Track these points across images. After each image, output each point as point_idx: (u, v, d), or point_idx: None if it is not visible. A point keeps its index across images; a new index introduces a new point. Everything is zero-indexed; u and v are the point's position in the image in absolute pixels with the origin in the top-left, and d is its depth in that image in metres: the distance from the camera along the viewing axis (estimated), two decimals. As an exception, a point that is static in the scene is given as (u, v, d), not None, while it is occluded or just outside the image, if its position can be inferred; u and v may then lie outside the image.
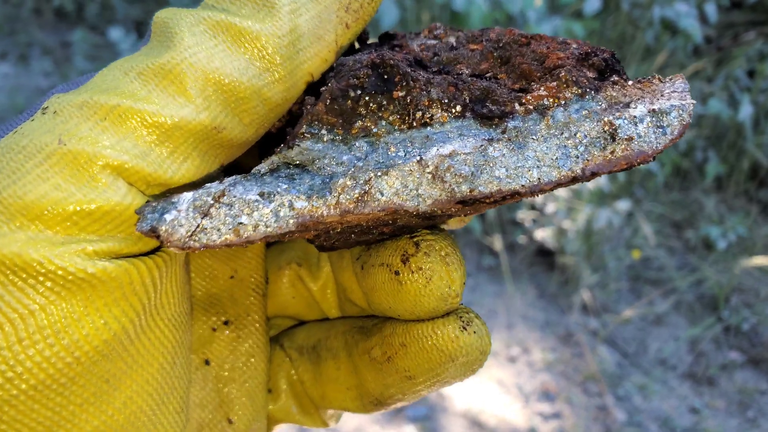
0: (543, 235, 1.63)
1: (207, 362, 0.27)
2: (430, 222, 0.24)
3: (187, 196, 0.20)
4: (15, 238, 0.19)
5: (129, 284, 0.20)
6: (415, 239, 0.24)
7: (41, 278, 0.19)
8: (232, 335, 0.28)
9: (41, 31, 1.87)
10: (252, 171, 0.21)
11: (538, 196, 0.22)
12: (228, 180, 0.21)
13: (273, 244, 0.31)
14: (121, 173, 0.20)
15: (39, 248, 0.19)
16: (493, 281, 1.62)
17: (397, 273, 0.23)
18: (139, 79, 0.21)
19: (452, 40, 0.27)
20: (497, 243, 1.64)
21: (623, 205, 1.62)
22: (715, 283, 1.63)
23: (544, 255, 1.68)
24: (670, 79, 0.23)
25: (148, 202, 0.20)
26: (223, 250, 0.27)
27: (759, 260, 1.61)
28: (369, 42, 0.28)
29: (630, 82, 0.23)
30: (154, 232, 0.19)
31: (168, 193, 0.21)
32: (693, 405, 1.37)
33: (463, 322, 0.24)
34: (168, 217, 0.19)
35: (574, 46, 0.24)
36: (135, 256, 0.21)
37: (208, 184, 0.20)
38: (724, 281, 1.63)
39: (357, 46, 0.27)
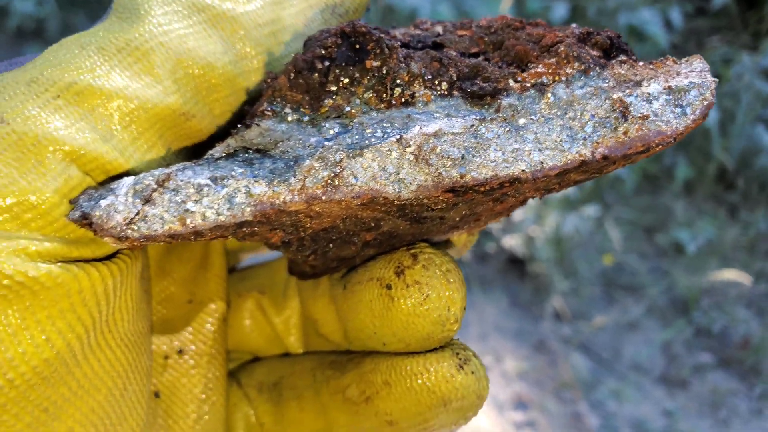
0: (512, 243, 1.63)
1: (157, 394, 0.23)
2: (421, 229, 0.21)
3: (127, 180, 0.17)
4: None
5: (78, 293, 0.17)
6: (412, 251, 0.21)
7: None
8: (187, 365, 0.24)
9: None
10: (205, 156, 0.18)
11: (542, 187, 0.19)
12: (176, 165, 0.18)
13: (233, 271, 0.28)
14: (75, 160, 0.17)
15: None
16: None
17: (389, 287, 0.20)
18: (100, 54, 0.18)
19: (438, 28, 0.24)
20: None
21: (591, 210, 1.63)
22: (685, 287, 1.65)
23: (515, 263, 1.68)
24: (687, 60, 0.20)
25: (85, 190, 0.17)
26: (180, 271, 0.24)
27: (728, 274, 1.63)
28: None
29: (641, 63, 0.20)
30: (85, 219, 0.16)
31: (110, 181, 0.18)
32: (666, 408, 1.38)
33: (459, 359, 0.20)
34: (103, 202, 0.17)
35: (574, 26, 0.22)
36: (86, 261, 0.17)
37: (152, 170, 0.18)
38: (694, 284, 1.65)
39: None
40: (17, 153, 0.16)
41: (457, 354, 0.21)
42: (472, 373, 0.20)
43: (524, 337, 1.51)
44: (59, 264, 0.17)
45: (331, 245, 0.21)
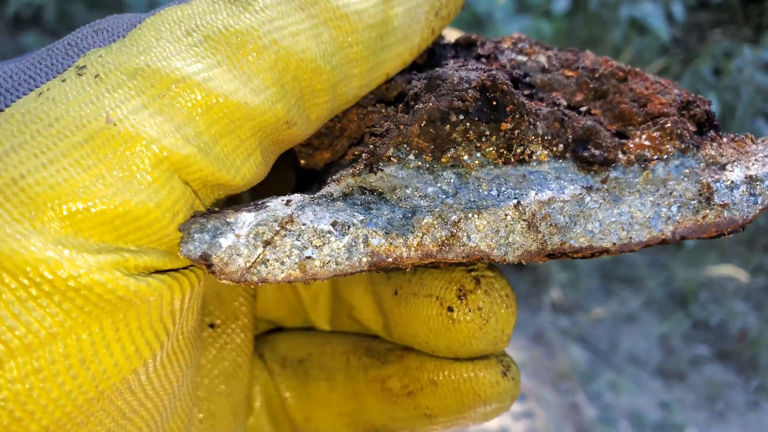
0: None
1: None
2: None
3: (248, 218, 0.17)
4: (41, 240, 0.14)
5: (169, 303, 0.17)
6: (473, 273, 0.21)
7: (71, 294, 0.15)
8: (220, 340, 0.24)
9: (-1, 37, 1.84)
10: (321, 192, 0.18)
11: (621, 253, 0.20)
12: (294, 201, 0.17)
13: None
14: (178, 170, 0.16)
15: (74, 258, 0.15)
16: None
17: (450, 309, 0.21)
18: (207, 45, 0.17)
19: (543, 59, 0.24)
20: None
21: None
22: (684, 280, 1.65)
23: (515, 255, 1.69)
24: (763, 141, 0.21)
25: (194, 216, 0.16)
26: None
27: (724, 269, 1.63)
28: (443, 43, 0.24)
29: (725, 140, 0.21)
30: (205, 260, 0.16)
31: (217, 207, 0.18)
32: (663, 400, 1.38)
33: (503, 366, 0.22)
34: (224, 242, 0.16)
35: (676, 92, 0.22)
36: (174, 270, 0.17)
37: (270, 205, 0.17)
38: (692, 277, 1.65)
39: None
40: (123, 159, 0.15)
41: (501, 361, 0.22)
42: (513, 379, 0.22)
43: (522, 328, 1.51)
44: (154, 275, 0.16)
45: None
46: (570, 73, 0.23)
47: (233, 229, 0.17)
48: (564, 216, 0.19)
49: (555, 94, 0.23)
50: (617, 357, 1.48)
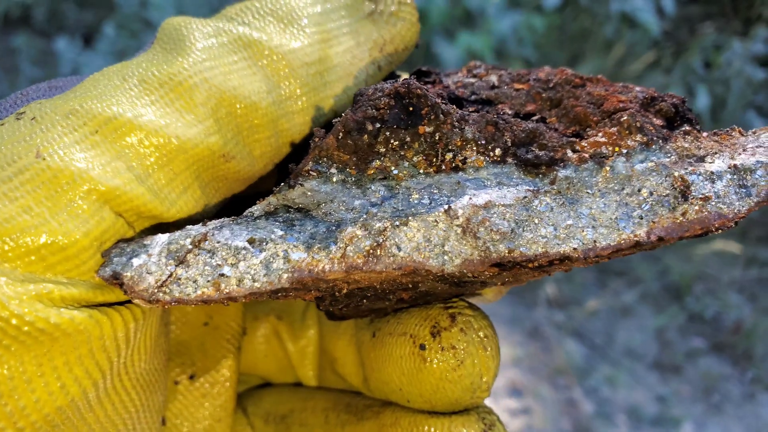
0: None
1: (163, 421, 0.23)
2: (459, 290, 0.20)
3: (162, 238, 0.17)
4: None
5: (99, 339, 0.16)
6: (450, 311, 0.20)
7: None
8: (197, 393, 0.23)
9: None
10: (244, 213, 0.18)
11: (592, 263, 0.18)
12: (213, 222, 0.17)
13: None
14: (109, 201, 0.16)
15: None
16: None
17: (422, 347, 0.19)
18: (141, 87, 0.17)
19: (494, 78, 0.23)
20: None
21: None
22: (679, 273, 1.66)
23: (510, 250, 1.69)
24: (754, 133, 0.20)
25: (117, 243, 0.17)
26: None
27: (717, 245, 1.65)
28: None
29: (705, 134, 0.19)
30: (116, 279, 0.16)
31: (144, 234, 0.17)
32: (660, 393, 1.38)
33: (485, 425, 0.20)
34: (135, 261, 0.16)
35: (638, 89, 0.21)
36: (109, 304, 0.17)
37: (188, 226, 0.17)
38: (687, 270, 1.66)
39: None
40: (51, 191, 0.16)
41: (483, 419, 0.20)
42: None
43: (518, 323, 1.51)
44: (82, 309, 0.16)
45: (365, 300, 0.20)
46: (519, 86, 0.23)
47: (146, 250, 0.17)
48: (508, 221, 0.18)
49: (501, 106, 0.22)
50: (613, 351, 1.48)
